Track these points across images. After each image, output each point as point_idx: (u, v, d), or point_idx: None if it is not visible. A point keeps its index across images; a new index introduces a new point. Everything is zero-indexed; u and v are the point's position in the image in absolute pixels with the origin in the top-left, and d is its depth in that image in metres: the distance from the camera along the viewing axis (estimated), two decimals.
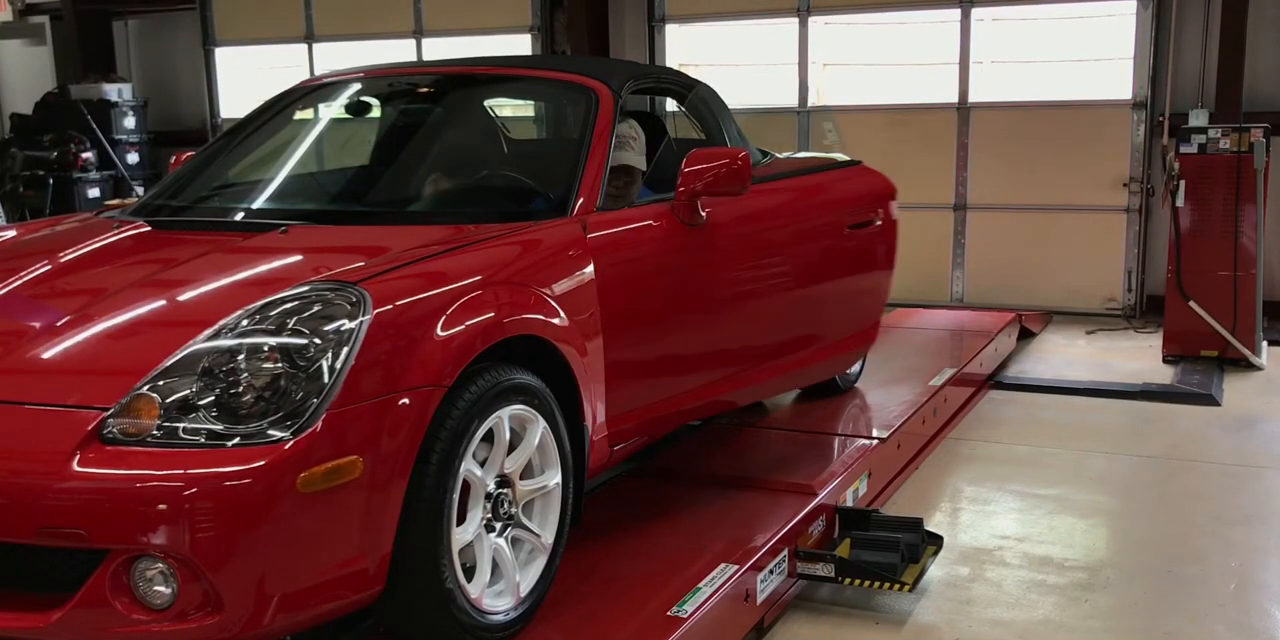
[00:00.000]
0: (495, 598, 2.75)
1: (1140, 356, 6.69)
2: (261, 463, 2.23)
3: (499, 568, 2.78)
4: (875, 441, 4.31)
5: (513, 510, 2.81)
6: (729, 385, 3.81)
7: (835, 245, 4.26)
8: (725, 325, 3.73)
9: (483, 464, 2.70)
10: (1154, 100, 7.38)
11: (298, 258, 3.02)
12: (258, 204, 3.61)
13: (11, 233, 3.55)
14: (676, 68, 8.25)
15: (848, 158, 4.93)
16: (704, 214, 3.54)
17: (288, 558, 2.28)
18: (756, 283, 3.89)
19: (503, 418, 2.72)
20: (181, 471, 2.21)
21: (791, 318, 4.07)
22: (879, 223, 4.45)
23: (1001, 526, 4.13)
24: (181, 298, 2.80)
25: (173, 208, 3.65)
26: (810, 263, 4.12)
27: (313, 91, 4.14)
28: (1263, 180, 6.30)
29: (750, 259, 3.83)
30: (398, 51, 9.37)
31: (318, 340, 2.38)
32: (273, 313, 2.46)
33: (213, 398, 2.32)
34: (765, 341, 3.97)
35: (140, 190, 9.71)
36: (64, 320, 2.67)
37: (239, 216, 3.50)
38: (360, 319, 2.42)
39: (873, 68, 8.07)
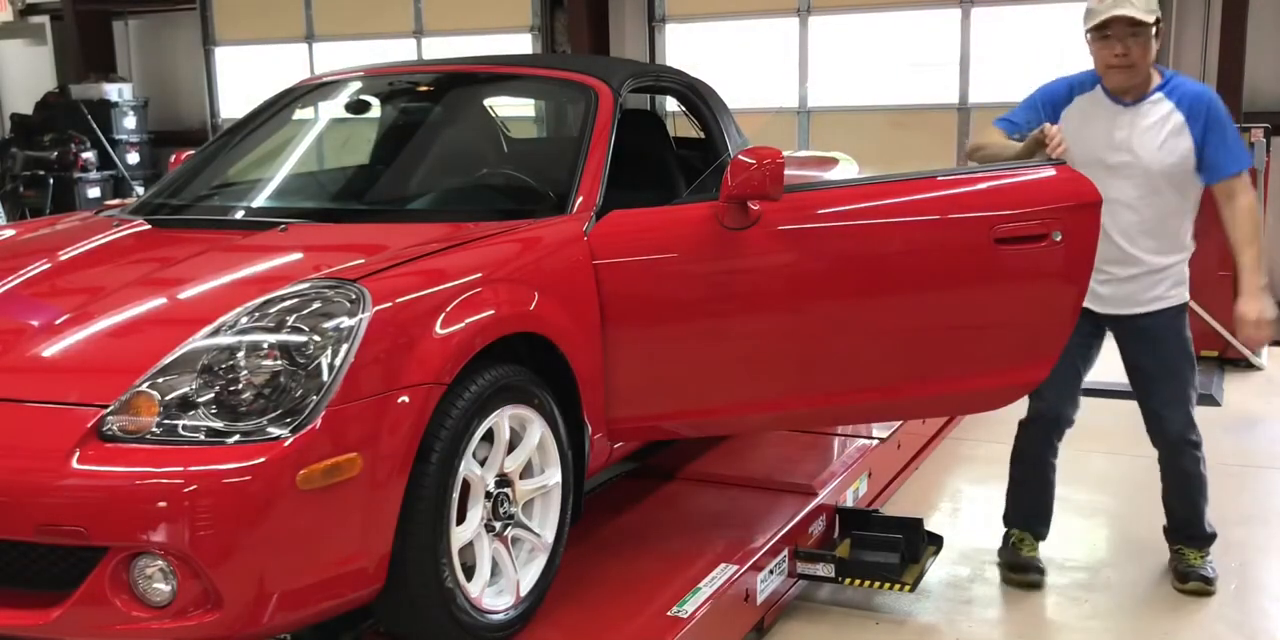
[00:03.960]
0: (495, 597, 2.74)
1: None
2: (261, 460, 2.22)
3: (499, 567, 2.77)
4: (875, 441, 4.31)
5: (513, 509, 2.80)
6: (766, 407, 3.33)
7: (960, 265, 3.25)
8: (763, 341, 3.23)
9: (482, 463, 2.69)
10: None
11: (297, 255, 3.02)
12: (257, 202, 3.60)
13: (11, 232, 3.55)
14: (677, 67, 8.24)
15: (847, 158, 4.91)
16: (752, 218, 3.11)
17: (287, 555, 2.27)
18: (815, 301, 3.21)
19: (502, 417, 2.71)
20: (181, 469, 2.21)
21: (870, 344, 3.30)
22: (1058, 239, 3.22)
23: (1002, 527, 4.12)
24: (181, 295, 2.80)
25: (172, 206, 3.65)
26: (907, 284, 3.26)
27: (312, 91, 4.13)
28: (1263, 180, 6.30)
29: (808, 274, 3.19)
30: (398, 51, 9.37)
31: (317, 337, 2.38)
32: (272, 310, 2.45)
33: (212, 395, 2.32)
34: (824, 366, 3.30)
35: (140, 190, 9.70)
36: (63, 318, 2.66)
37: (238, 215, 3.49)
38: (360, 316, 2.42)
39: (873, 68, 8.06)
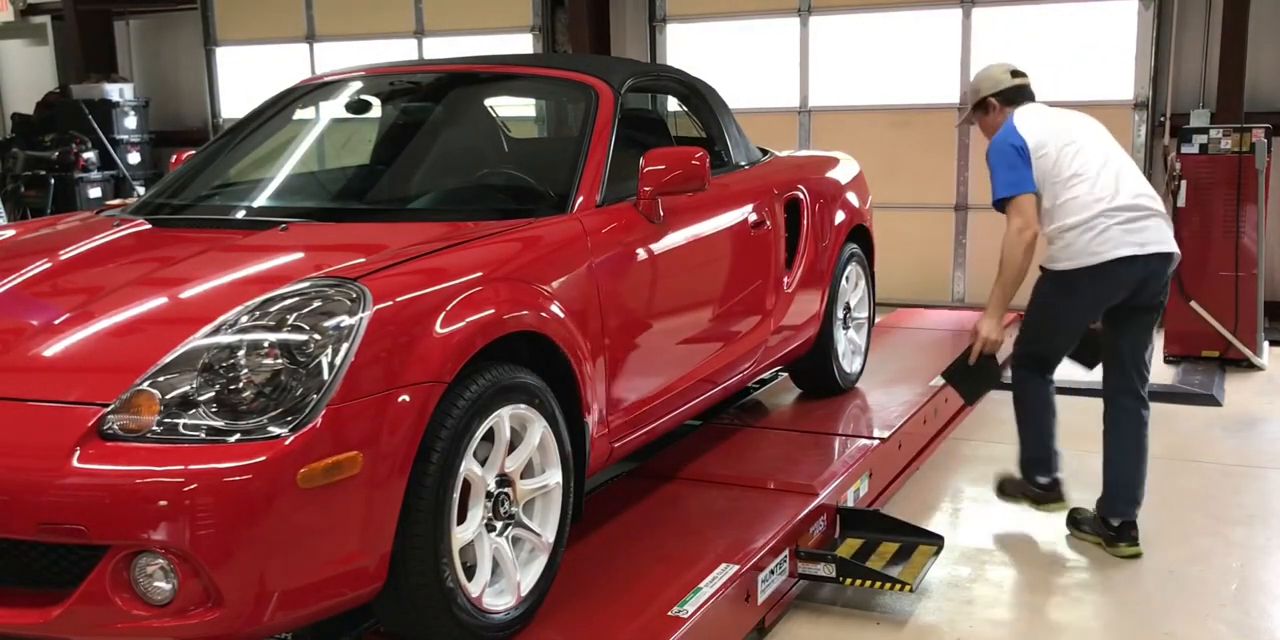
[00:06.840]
0: (496, 597, 2.74)
1: None
2: (262, 459, 2.22)
3: (499, 567, 2.77)
4: (876, 441, 4.31)
5: (513, 509, 2.80)
6: (703, 379, 3.83)
7: (743, 246, 4.10)
8: (697, 319, 3.77)
9: (483, 463, 2.69)
10: (1155, 100, 7.38)
11: (298, 254, 3.02)
12: (258, 202, 3.61)
13: (12, 232, 3.55)
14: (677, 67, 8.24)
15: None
16: (663, 212, 3.48)
17: (288, 554, 2.27)
18: (709, 275, 3.88)
19: (503, 417, 2.71)
20: (182, 467, 2.21)
21: (727, 313, 4.00)
22: (768, 225, 4.23)
23: (1002, 527, 4.13)
24: (181, 294, 2.80)
25: (173, 206, 3.65)
26: (733, 262, 4.04)
27: (313, 90, 4.13)
28: (1264, 180, 6.30)
29: (700, 252, 3.80)
30: (399, 51, 9.37)
31: (318, 336, 2.38)
32: (273, 309, 2.45)
33: (213, 394, 2.32)
34: (723, 333, 3.96)
35: (141, 190, 9.70)
36: (64, 317, 2.66)
37: (239, 214, 3.50)
38: (360, 315, 2.42)
39: (873, 68, 8.06)
